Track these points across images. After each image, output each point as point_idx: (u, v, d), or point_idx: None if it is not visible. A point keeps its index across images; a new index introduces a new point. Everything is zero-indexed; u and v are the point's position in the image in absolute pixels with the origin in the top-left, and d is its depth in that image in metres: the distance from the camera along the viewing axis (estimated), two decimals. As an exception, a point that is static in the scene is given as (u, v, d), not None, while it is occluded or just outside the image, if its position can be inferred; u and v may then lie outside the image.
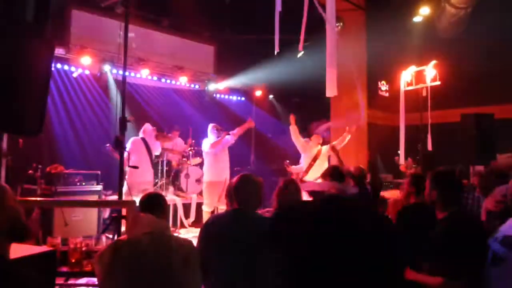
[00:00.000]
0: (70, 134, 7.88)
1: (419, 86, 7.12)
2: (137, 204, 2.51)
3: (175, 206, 7.12)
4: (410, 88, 7.22)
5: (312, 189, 2.95)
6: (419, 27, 8.90)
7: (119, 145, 3.82)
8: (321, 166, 6.09)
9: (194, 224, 7.46)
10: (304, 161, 6.62)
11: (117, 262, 2.06)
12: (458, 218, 2.46)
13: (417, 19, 8.54)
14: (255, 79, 10.35)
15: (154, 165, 7.62)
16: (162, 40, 8.95)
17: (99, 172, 6.33)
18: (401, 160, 6.64)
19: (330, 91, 4.13)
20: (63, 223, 5.38)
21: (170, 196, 7.26)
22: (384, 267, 1.77)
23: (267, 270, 2.17)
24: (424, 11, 8.33)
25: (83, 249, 3.32)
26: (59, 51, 7.22)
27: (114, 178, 6.09)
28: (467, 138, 6.30)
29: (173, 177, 7.82)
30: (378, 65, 9.17)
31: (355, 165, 4.85)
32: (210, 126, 6.73)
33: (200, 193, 7.80)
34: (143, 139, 6.59)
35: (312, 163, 6.40)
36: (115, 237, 3.58)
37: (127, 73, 4.15)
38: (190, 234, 6.83)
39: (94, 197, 5.99)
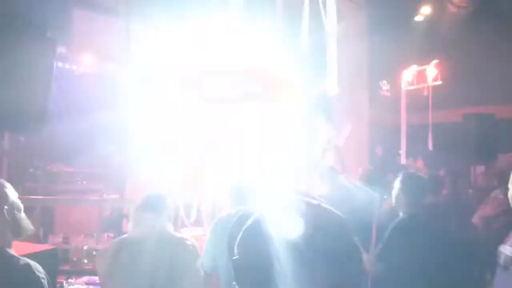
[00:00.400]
0: (71, 132, 7.87)
1: (420, 86, 7.12)
2: (139, 203, 2.50)
3: (176, 205, 7.11)
4: (411, 87, 7.21)
5: None
6: (420, 26, 8.88)
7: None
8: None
9: (195, 224, 7.45)
10: None
11: (118, 261, 2.07)
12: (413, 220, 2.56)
13: (418, 18, 8.52)
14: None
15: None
16: (165, 39, 8.92)
17: (100, 170, 6.34)
18: (402, 159, 6.64)
19: (331, 89, 4.14)
20: (64, 222, 5.39)
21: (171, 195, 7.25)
22: None
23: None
24: (425, 10, 8.31)
25: (85, 247, 3.33)
26: (61, 50, 7.22)
27: (116, 177, 6.12)
28: (468, 138, 6.29)
29: (174, 176, 7.82)
30: (379, 64, 9.15)
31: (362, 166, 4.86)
32: None
33: (201, 192, 7.81)
34: None
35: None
36: (117, 236, 3.59)
37: (128, 72, 4.15)
38: (191, 233, 6.84)
39: (95, 196, 5.99)
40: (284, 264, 1.12)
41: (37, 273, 1.54)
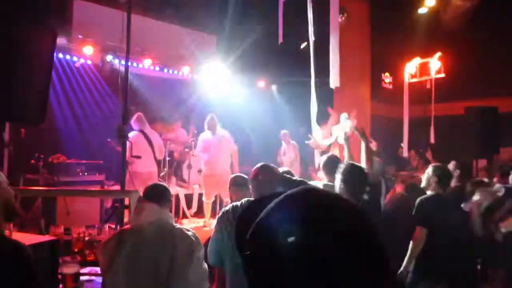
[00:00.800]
0: (72, 124, 7.87)
1: (423, 78, 7.08)
2: (141, 194, 2.50)
3: (177, 196, 7.12)
4: (414, 80, 7.17)
5: None
6: (424, 19, 8.82)
7: (122, 135, 3.80)
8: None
9: (196, 215, 7.48)
10: (317, 154, 6.59)
11: (121, 251, 2.06)
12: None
13: (422, 10, 8.45)
14: (257, 70, 10.31)
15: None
16: (165, 30, 8.89)
17: (101, 162, 6.34)
18: (405, 152, 6.62)
19: (334, 82, 4.11)
20: (66, 213, 5.39)
21: (172, 187, 7.26)
22: None
23: None
24: (429, 3, 8.24)
25: (86, 238, 3.33)
26: (61, 41, 7.18)
27: (117, 168, 6.11)
28: (470, 131, 6.27)
29: (175, 167, 7.82)
30: (382, 56, 9.11)
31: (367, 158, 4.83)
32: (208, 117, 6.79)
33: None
34: (142, 131, 6.45)
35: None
36: (118, 227, 3.59)
37: (129, 63, 4.11)
38: (192, 225, 6.85)
39: (97, 187, 6.00)
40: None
41: (24, 257, 1.58)
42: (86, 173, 6.08)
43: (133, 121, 6.33)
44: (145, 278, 2.00)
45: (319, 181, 3.74)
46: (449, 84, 7.42)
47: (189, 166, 7.53)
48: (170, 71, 9.31)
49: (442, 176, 3.41)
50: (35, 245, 2.29)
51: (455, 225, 3.20)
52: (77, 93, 8.03)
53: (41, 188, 5.24)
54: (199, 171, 7.72)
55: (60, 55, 7.61)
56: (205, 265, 2.21)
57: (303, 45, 6.06)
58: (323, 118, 6.70)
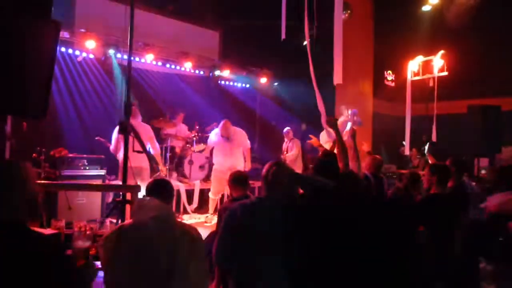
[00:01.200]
0: (74, 118, 7.88)
1: (426, 76, 7.05)
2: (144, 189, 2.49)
3: (178, 192, 7.13)
4: (417, 78, 7.14)
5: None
6: (427, 16, 8.78)
7: (124, 129, 3.80)
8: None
9: (197, 210, 7.49)
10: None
11: (122, 246, 2.06)
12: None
13: (425, 8, 8.42)
14: (260, 66, 10.29)
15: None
16: (167, 25, 8.88)
17: (103, 156, 6.34)
18: (406, 150, 6.60)
19: (337, 78, 4.10)
20: (67, 207, 5.41)
21: (174, 182, 7.27)
22: None
23: (289, 258, 2.17)
24: (433, 0, 8.20)
25: (87, 232, 3.33)
26: (63, 35, 7.17)
27: (115, 162, 6.12)
28: (473, 129, 6.25)
29: (177, 163, 7.83)
30: (384, 54, 9.08)
31: (372, 156, 4.84)
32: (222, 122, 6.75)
33: (204, 180, 7.83)
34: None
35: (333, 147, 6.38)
36: (119, 222, 3.60)
37: (132, 58, 4.11)
38: (193, 220, 6.87)
39: (98, 181, 6.00)
40: None
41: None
42: (87, 167, 6.08)
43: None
44: (146, 273, 2.00)
45: None
46: (452, 82, 7.39)
47: (191, 162, 7.54)
48: (172, 66, 9.30)
49: (439, 175, 3.41)
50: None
51: (454, 223, 3.20)
52: (79, 87, 8.03)
53: (42, 182, 5.25)
54: (200, 166, 7.72)
55: (63, 49, 7.61)
56: (207, 262, 2.21)
57: (305, 42, 6.02)
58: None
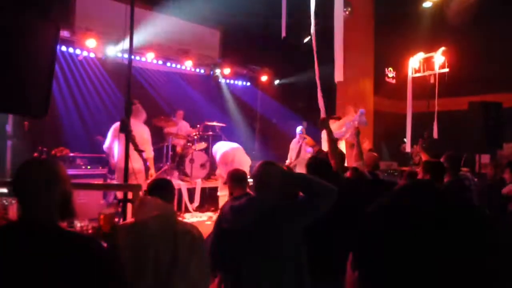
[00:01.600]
0: (75, 117, 7.89)
1: (427, 73, 7.02)
2: (146, 188, 2.49)
3: (179, 190, 7.14)
4: (418, 75, 7.11)
5: None
6: (428, 13, 8.76)
7: (125, 128, 3.80)
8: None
9: (198, 209, 7.50)
10: (325, 147, 6.56)
11: (123, 244, 2.07)
12: None
13: (426, 4, 8.39)
14: (260, 64, 10.28)
15: (159, 149, 7.63)
16: (168, 23, 8.87)
17: (104, 155, 6.35)
18: (408, 148, 6.59)
19: (338, 76, 4.08)
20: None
21: (175, 181, 7.28)
22: None
23: (281, 253, 2.14)
24: (434, -3, 8.19)
25: (89, 231, 3.34)
26: (64, 34, 7.18)
27: (112, 162, 6.11)
28: (474, 126, 6.24)
29: (178, 161, 7.83)
30: (385, 51, 9.06)
31: (369, 153, 4.83)
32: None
33: (205, 178, 7.83)
34: None
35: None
36: (121, 221, 3.60)
37: (132, 57, 4.10)
38: (194, 219, 6.88)
39: (99, 181, 6.02)
40: None
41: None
42: (89, 166, 6.10)
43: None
44: (147, 272, 2.00)
45: None
46: (453, 79, 7.36)
47: (192, 160, 7.54)
48: (173, 65, 9.30)
49: (433, 172, 3.39)
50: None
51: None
52: (80, 86, 8.03)
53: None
54: (202, 165, 7.72)
55: (63, 48, 7.61)
56: (208, 261, 2.20)
57: (306, 39, 6.02)
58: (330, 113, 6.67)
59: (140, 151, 5.45)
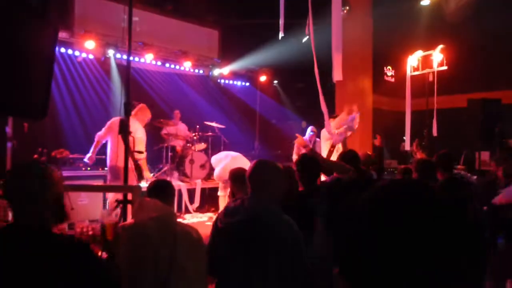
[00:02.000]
0: (74, 118, 7.89)
1: (425, 71, 7.03)
2: (146, 189, 2.48)
3: (179, 191, 7.14)
4: (416, 73, 7.11)
5: None
6: (426, 11, 8.76)
7: (123, 129, 3.80)
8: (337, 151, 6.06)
9: (198, 210, 7.50)
10: (324, 147, 6.57)
11: (122, 246, 2.07)
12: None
13: (424, 2, 8.39)
14: (259, 64, 10.28)
15: (159, 150, 7.64)
16: (166, 24, 8.88)
17: (104, 156, 6.34)
18: (407, 146, 6.59)
19: (336, 75, 4.08)
20: (70, 207, 5.40)
21: (175, 182, 7.28)
22: None
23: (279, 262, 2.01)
24: (432, -6, 8.18)
25: (90, 233, 3.34)
26: (62, 35, 7.19)
27: (105, 159, 6.10)
28: (473, 123, 6.25)
29: (178, 162, 7.83)
30: (384, 49, 9.06)
31: (362, 151, 4.83)
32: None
33: (204, 179, 7.83)
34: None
35: (332, 149, 6.35)
36: (121, 222, 3.60)
37: (131, 58, 4.10)
38: (195, 219, 6.88)
39: (99, 182, 6.02)
40: None
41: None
42: (89, 168, 6.10)
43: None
44: (145, 273, 2.00)
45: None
46: (452, 76, 7.37)
47: (192, 161, 7.54)
48: (172, 66, 9.30)
49: (422, 171, 3.40)
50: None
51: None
52: (80, 87, 8.04)
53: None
54: (201, 165, 7.72)
55: (62, 50, 7.62)
56: (206, 263, 2.17)
57: (304, 39, 6.01)
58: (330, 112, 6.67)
59: (139, 152, 5.47)
